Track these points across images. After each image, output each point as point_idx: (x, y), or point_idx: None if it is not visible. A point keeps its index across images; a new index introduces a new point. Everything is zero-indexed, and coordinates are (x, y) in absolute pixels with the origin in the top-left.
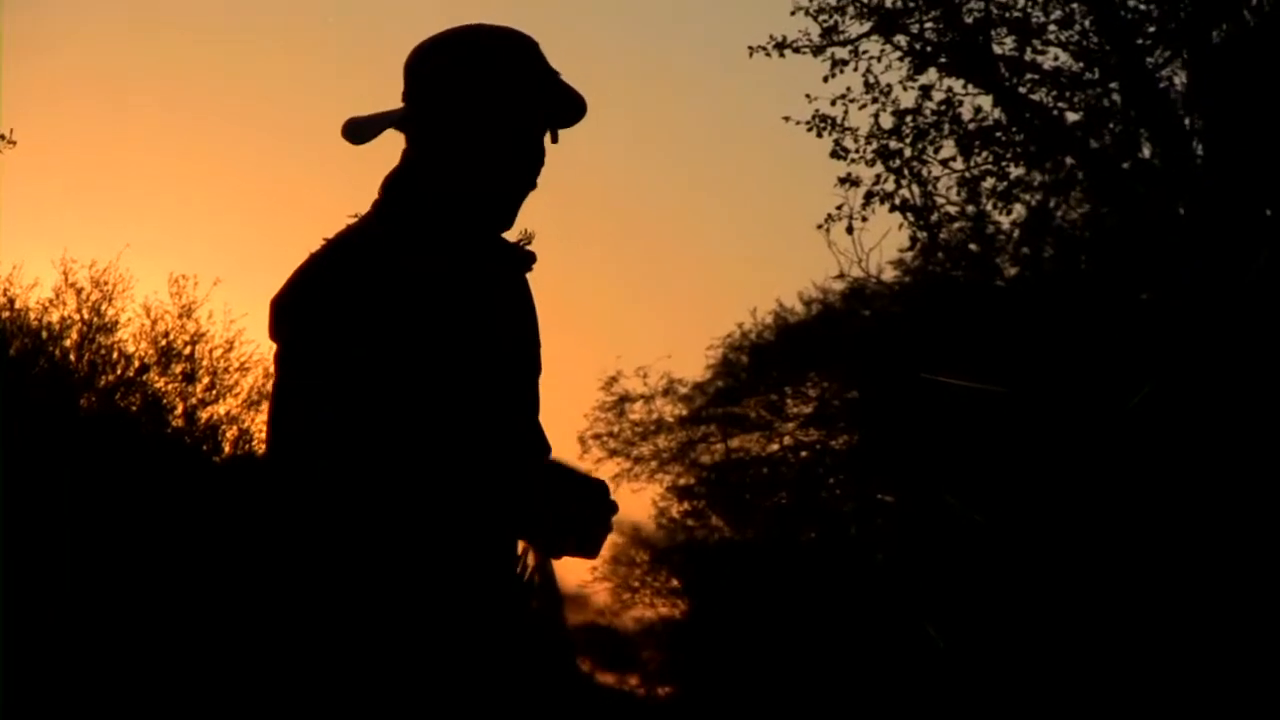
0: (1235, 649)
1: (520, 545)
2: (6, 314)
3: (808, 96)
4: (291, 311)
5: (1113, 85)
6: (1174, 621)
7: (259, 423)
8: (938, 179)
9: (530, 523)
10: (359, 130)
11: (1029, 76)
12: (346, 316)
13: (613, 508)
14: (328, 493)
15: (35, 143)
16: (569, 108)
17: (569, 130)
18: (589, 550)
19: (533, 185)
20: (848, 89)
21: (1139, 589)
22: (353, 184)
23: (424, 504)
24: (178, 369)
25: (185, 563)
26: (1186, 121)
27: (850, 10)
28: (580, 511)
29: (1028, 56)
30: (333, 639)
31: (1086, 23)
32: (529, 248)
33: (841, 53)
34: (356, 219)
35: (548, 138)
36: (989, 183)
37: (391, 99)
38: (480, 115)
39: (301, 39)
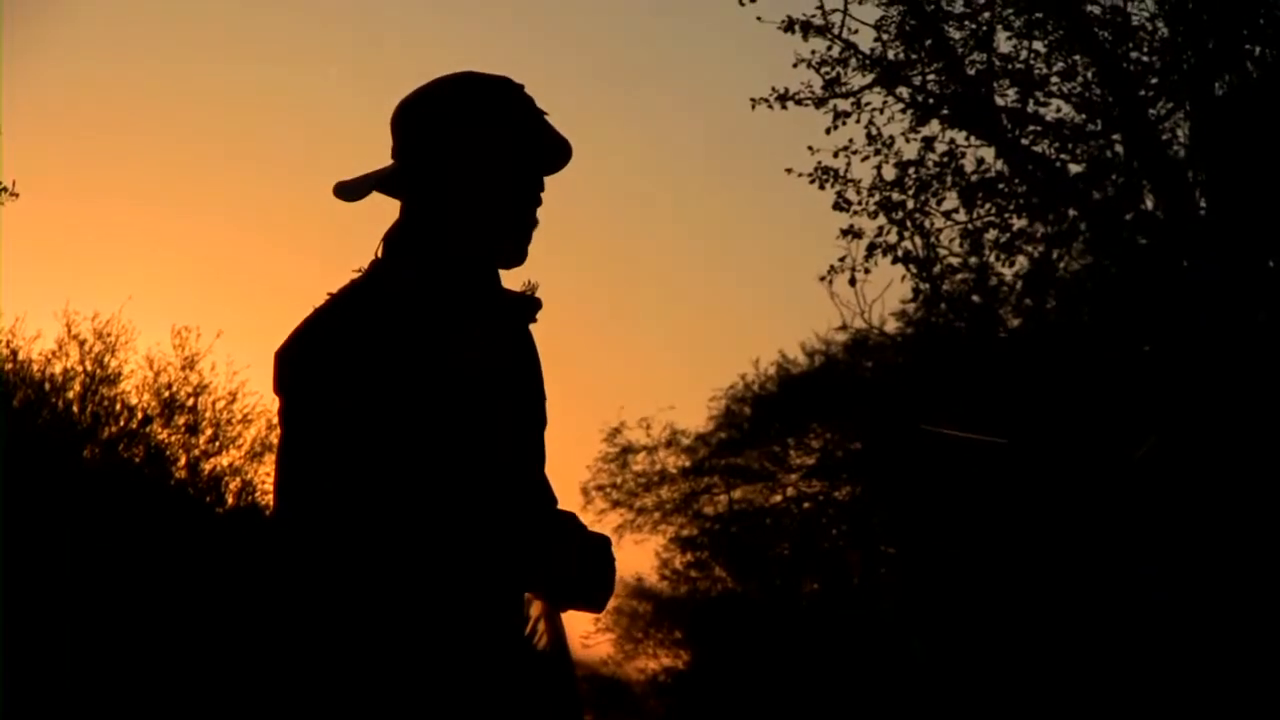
0: (1236, 702)
1: (527, 598)
2: (9, 365)
3: (810, 149)
4: (296, 366)
5: (1115, 137)
6: (1180, 675)
7: (262, 474)
8: (940, 231)
9: (538, 576)
10: (349, 190)
11: (1031, 128)
12: (351, 371)
13: (612, 563)
14: (335, 549)
15: (38, 194)
16: (555, 153)
17: (570, 180)
18: (595, 604)
19: (534, 223)
20: (850, 141)
21: (1145, 641)
22: (356, 239)
23: (431, 558)
24: (181, 420)
25: (189, 615)
26: (1189, 174)
27: (852, 62)
28: (586, 565)
29: (1030, 108)
30: (342, 694)
31: (1089, 75)
32: (534, 295)
33: (844, 104)
34: (360, 274)
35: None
36: (991, 234)
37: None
38: (472, 162)
39: (304, 93)
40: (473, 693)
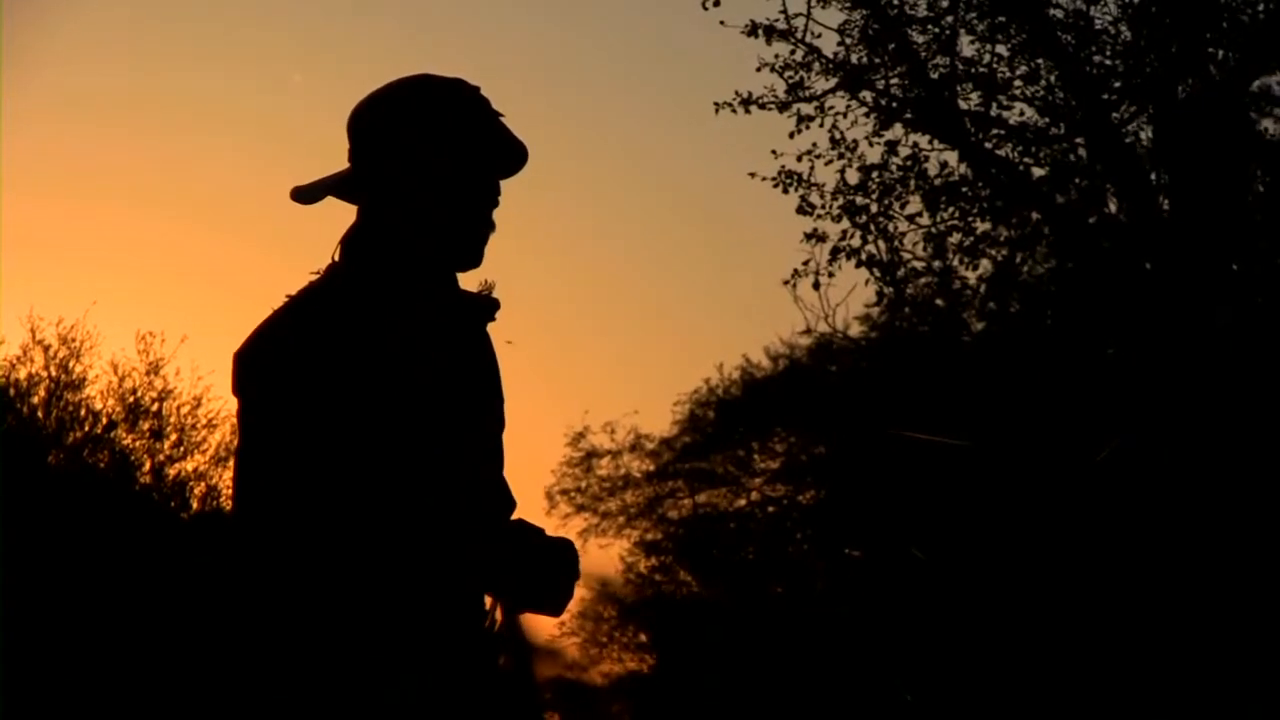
0: (1206, 692)
1: (488, 601)
2: None
3: (774, 153)
4: (253, 367)
5: (1078, 140)
6: (1143, 673)
7: (227, 479)
8: (904, 234)
9: (498, 578)
10: (305, 194)
11: (995, 132)
12: (307, 372)
13: (577, 567)
14: (291, 551)
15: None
16: (510, 156)
17: (533, 183)
18: (554, 607)
19: (491, 226)
20: (814, 145)
21: (1107, 639)
22: (322, 243)
23: (388, 559)
24: (145, 425)
25: (154, 620)
26: (1152, 176)
27: (816, 66)
28: (547, 568)
29: (994, 112)
30: (300, 695)
31: (1052, 78)
32: (492, 295)
33: (807, 109)
34: (318, 276)
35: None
36: (955, 238)
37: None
38: (427, 165)
39: (268, 97)
40: (432, 694)
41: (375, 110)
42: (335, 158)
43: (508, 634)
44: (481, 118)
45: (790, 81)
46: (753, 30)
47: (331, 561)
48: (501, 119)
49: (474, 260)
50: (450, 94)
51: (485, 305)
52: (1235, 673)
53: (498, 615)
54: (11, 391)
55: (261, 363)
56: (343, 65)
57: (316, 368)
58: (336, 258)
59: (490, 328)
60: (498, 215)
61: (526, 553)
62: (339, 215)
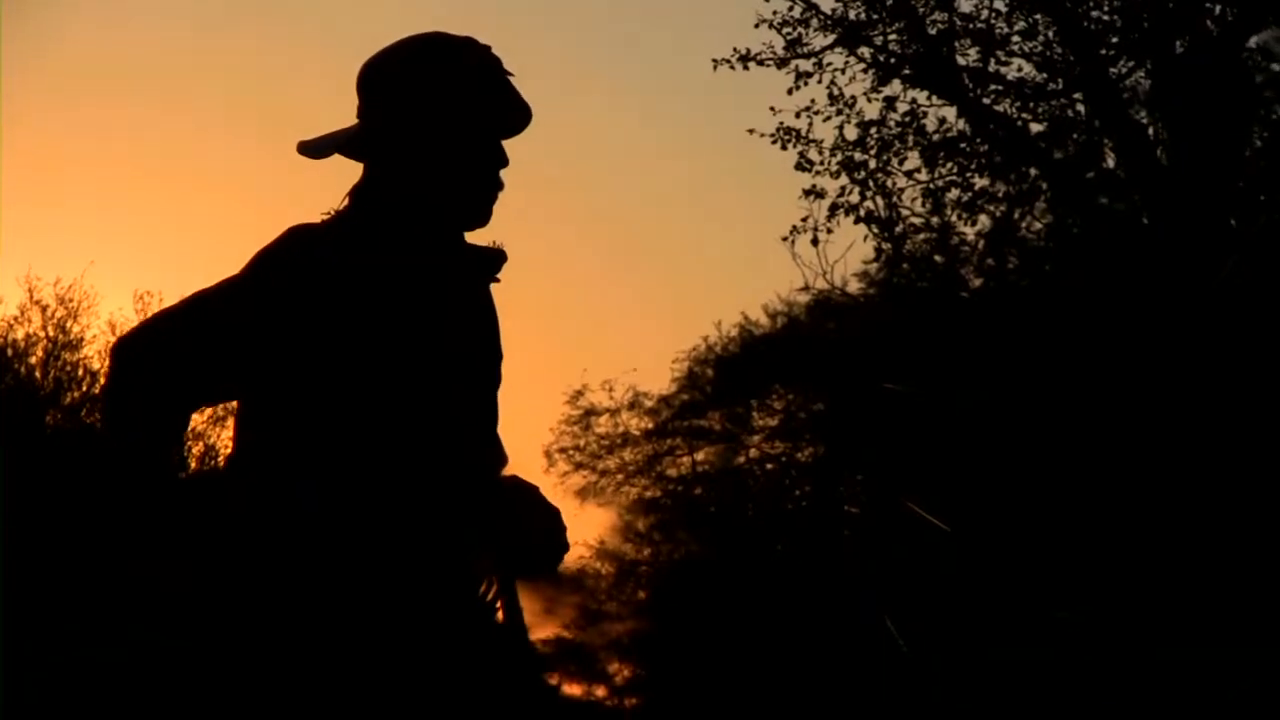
0: (1202, 657)
1: (483, 560)
2: None
3: (772, 109)
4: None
5: (1076, 96)
6: (1140, 629)
7: (225, 438)
8: (902, 190)
9: (490, 534)
10: (313, 149)
11: (993, 88)
12: (296, 299)
13: (565, 532)
14: (280, 496)
15: None
16: (514, 115)
17: (531, 142)
18: (548, 565)
19: (499, 185)
20: (812, 101)
21: (1107, 595)
22: (320, 200)
23: (381, 514)
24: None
25: (150, 577)
26: (1150, 131)
27: (814, 23)
28: (540, 526)
29: (991, 68)
30: (296, 649)
31: (1050, 34)
32: (500, 249)
33: (805, 65)
34: (329, 216)
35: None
36: (953, 194)
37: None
38: (438, 119)
39: (269, 57)
40: (427, 645)
41: (385, 67)
42: (338, 117)
43: (502, 592)
44: (491, 76)
45: (788, 38)
46: None
47: (321, 514)
48: (510, 78)
49: (481, 218)
50: (461, 52)
51: (492, 258)
52: (1235, 622)
53: (492, 574)
54: (9, 351)
55: (252, 277)
56: (347, 26)
57: (303, 295)
58: (343, 207)
59: (494, 288)
60: (520, 178)
61: (519, 509)
62: (342, 175)
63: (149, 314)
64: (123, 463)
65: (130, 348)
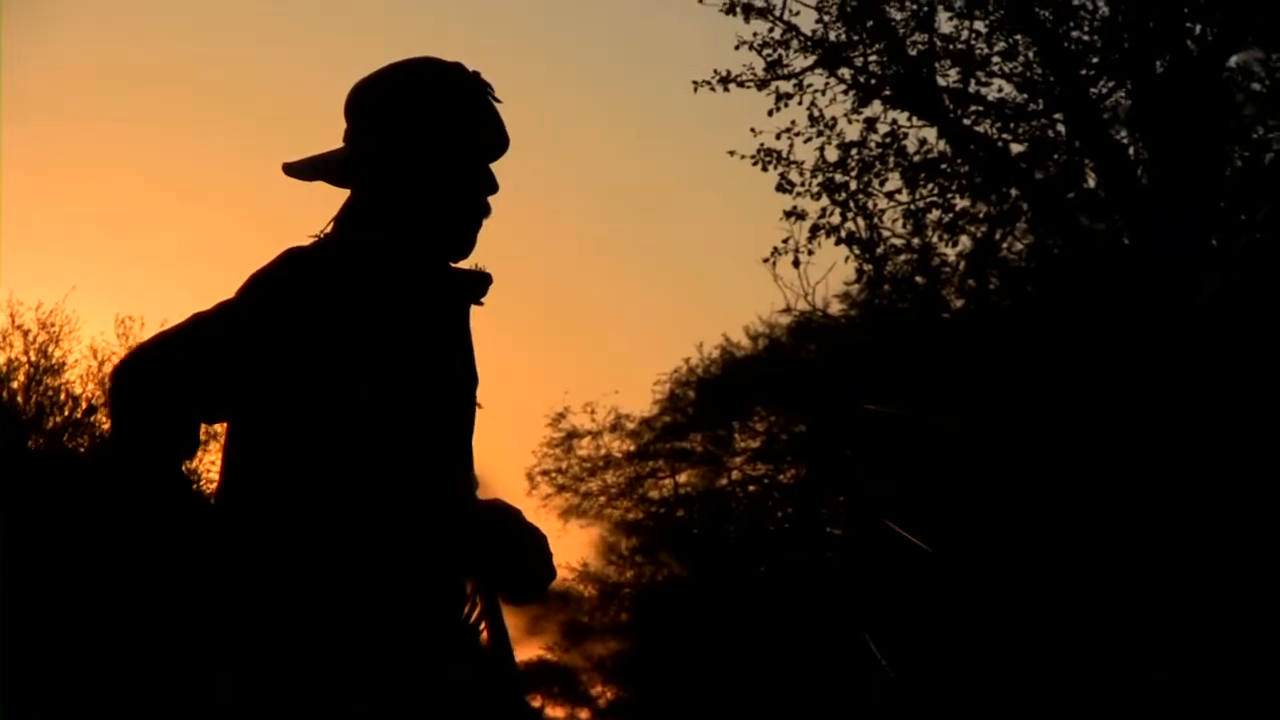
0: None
1: (467, 585)
2: None
3: (753, 131)
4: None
5: (1057, 116)
6: (1118, 646)
7: (207, 463)
8: (883, 212)
9: (473, 556)
10: (299, 170)
11: (973, 108)
12: (291, 322)
13: (551, 558)
14: (266, 518)
15: None
16: (495, 141)
17: (512, 164)
18: (534, 590)
19: (486, 211)
20: (793, 123)
21: (1087, 613)
22: (303, 222)
23: (363, 533)
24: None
25: (132, 601)
26: (1130, 151)
27: (794, 44)
28: (525, 551)
29: (972, 88)
30: (286, 670)
31: (1030, 54)
32: (484, 272)
33: (786, 86)
34: (316, 239)
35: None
36: (934, 215)
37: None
38: (427, 144)
39: (254, 78)
40: (412, 668)
41: (374, 92)
42: (323, 138)
43: (487, 614)
44: (479, 103)
45: (769, 59)
46: (731, 8)
47: (301, 530)
48: (498, 104)
49: (465, 248)
50: (450, 78)
51: (475, 280)
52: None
53: (477, 597)
54: None
55: (249, 299)
56: (327, 49)
57: (298, 318)
58: (329, 231)
59: (475, 310)
60: (502, 201)
61: (505, 534)
62: (324, 200)
63: (131, 339)
64: (135, 480)
65: (132, 368)
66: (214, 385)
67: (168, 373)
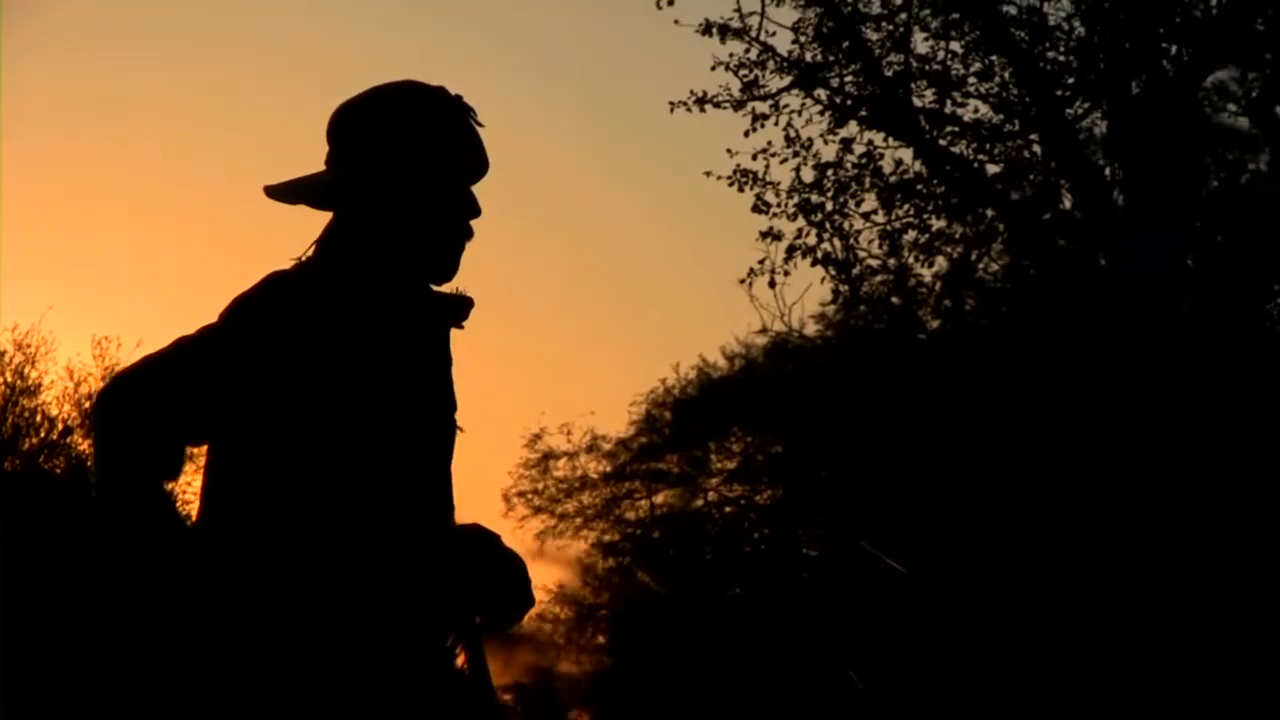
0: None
1: (446, 609)
2: None
3: (729, 151)
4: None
5: (1033, 137)
6: (1095, 670)
7: (183, 484)
8: (859, 232)
9: (452, 583)
10: (281, 193)
11: (949, 129)
12: (273, 347)
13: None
14: (242, 540)
15: None
16: (475, 164)
17: (487, 184)
18: (512, 616)
19: (468, 234)
20: (769, 143)
21: (1062, 634)
22: (279, 245)
23: (340, 553)
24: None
25: (110, 625)
26: (1107, 172)
27: (770, 65)
28: (504, 576)
29: (948, 109)
30: (260, 695)
31: (1006, 75)
32: (465, 295)
33: (762, 107)
34: (298, 262)
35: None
36: (910, 235)
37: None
38: (409, 167)
39: (231, 98)
40: (389, 693)
41: (356, 116)
42: (299, 158)
43: (466, 639)
44: (461, 127)
45: (745, 80)
46: (707, 29)
47: (289, 554)
48: (480, 128)
49: (448, 271)
50: (433, 102)
51: (457, 304)
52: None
53: (456, 621)
54: None
55: (231, 323)
56: (308, 70)
57: (280, 343)
58: (310, 255)
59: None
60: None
61: (487, 559)
62: (299, 221)
63: (107, 359)
64: (119, 504)
65: (115, 392)
66: (197, 409)
67: (151, 397)
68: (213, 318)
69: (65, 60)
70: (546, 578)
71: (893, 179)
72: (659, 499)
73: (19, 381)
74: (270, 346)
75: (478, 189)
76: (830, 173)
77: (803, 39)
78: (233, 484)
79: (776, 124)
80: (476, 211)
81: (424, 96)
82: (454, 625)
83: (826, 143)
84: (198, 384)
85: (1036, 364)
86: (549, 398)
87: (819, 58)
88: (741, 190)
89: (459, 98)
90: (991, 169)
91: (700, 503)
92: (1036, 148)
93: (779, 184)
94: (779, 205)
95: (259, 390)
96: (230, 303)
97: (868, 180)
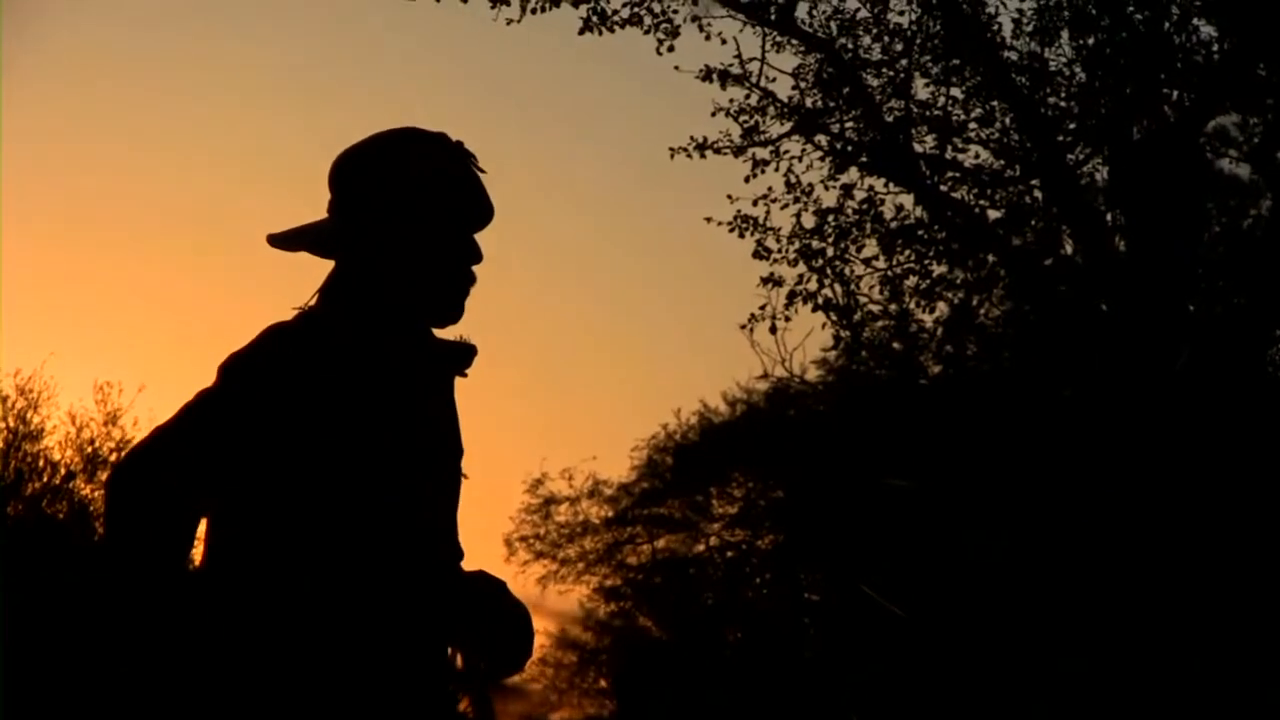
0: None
1: (450, 651)
2: None
3: (729, 197)
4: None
5: (1034, 182)
6: (1094, 714)
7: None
8: (860, 278)
9: (458, 630)
10: (282, 241)
11: (950, 174)
12: (270, 401)
13: (532, 633)
14: (247, 586)
15: None
16: (478, 211)
17: (489, 229)
18: (515, 665)
19: (471, 280)
20: (769, 189)
21: (1059, 679)
22: (284, 290)
23: (345, 598)
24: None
25: (114, 670)
26: (1108, 218)
27: (771, 110)
28: (508, 625)
29: (948, 154)
30: None
31: (1007, 120)
32: (469, 343)
33: (762, 153)
34: (301, 311)
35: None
36: (911, 281)
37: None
38: (411, 214)
39: (235, 140)
40: None
41: (358, 164)
42: (305, 201)
43: (471, 685)
44: (463, 174)
45: (745, 126)
46: (707, 75)
47: (286, 597)
48: (482, 174)
49: (453, 316)
50: (434, 149)
51: (460, 352)
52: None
53: (458, 662)
54: None
55: (231, 384)
56: (313, 114)
57: (280, 398)
58: (313, 303)
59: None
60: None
61: (492, 607)
62: (304, 265)
63: (109, 404)
64: (134, 587)
65: (126, 479)
66: (207, 483)
67: (162, 482)
68: (214, 362)
69: (66, 95)
70: (548, 622)
71: (894, 224)
72: (660, 544)
73: (21, 426)
74: (267, 402)
75: (482, 234)
76: (831, 218)
77: (803, 85)
78: (236, 536)
79: (777, 169)
80: (478, 257)
81: (423, 142)
82: (455, 671)
83: (827, 188)
84: (205, 460)
85: (1037, 409)
86: (551, 443)
87: (819, 103)
88: (742, 236)
89: (460, 144)
90: (992, 214)
91: (701, 547)
92: (1038, 193)
93: (780, 230)
94: (780, 251)
95: (260, 446)
96: (225, 360)
97: (869, 226)
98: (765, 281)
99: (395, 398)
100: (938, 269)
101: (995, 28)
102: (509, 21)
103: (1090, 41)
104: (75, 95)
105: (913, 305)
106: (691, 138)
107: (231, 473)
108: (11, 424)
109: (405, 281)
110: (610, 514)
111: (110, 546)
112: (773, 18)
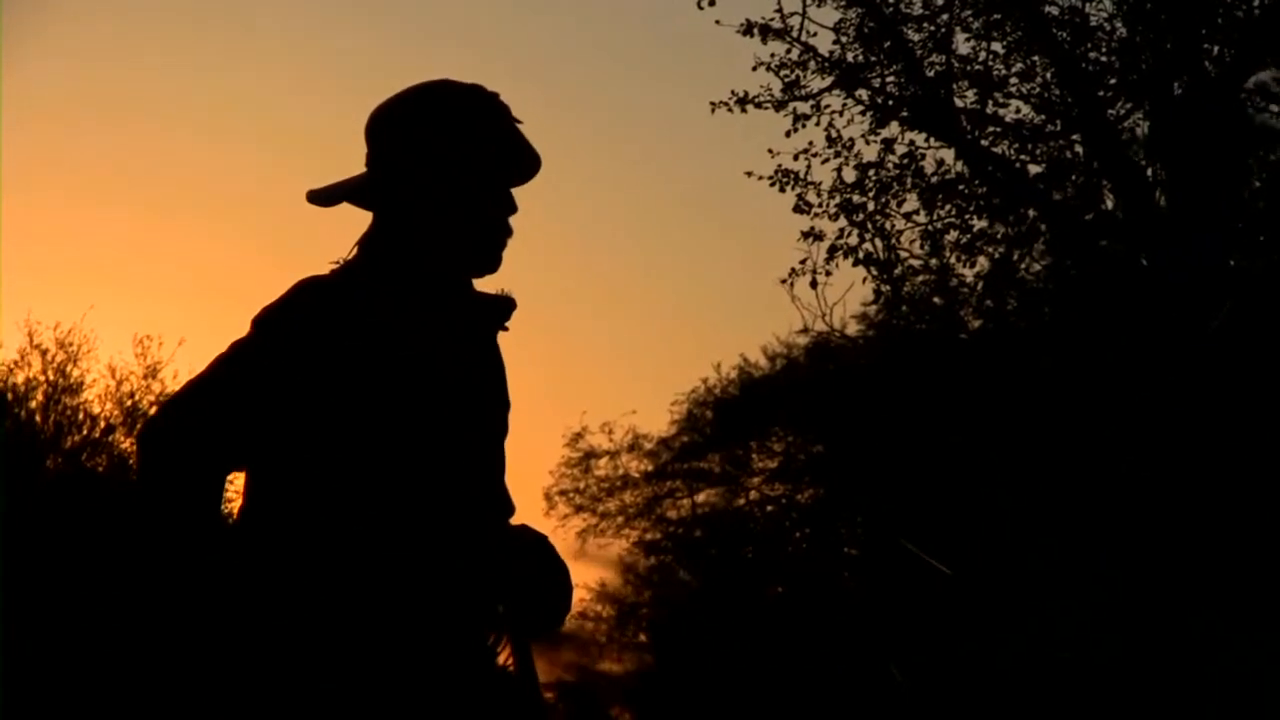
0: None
1: (493, 609)
2: None
3: (770, 152)
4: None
5: (1075, 137)
6: (1134, 667)
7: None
8: (901, 232)
9: (500, 583)
10: (321, 197)
11: (991, 129)
12: (308, 354)
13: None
14: (291, 538)
15: None
16: (524, 163)
17: (530, 183)
18: (553, 621)
19: (508, 231)
20: (810, 144)
21: (1102, 632)
22: (323, 245)
23: (389, 551)
24: None
25: (153, 622)
26: (1149, 173)
27: (811, 65)
28: (549, 580)
29: (989, 109)
30: (296, 687)
31: (1048, 75)
32: (509, 296)
33: (803, 107)
34: (338, 265)
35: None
36: (952, 236)
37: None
38: (444, 172)
39: (273, 97)
40: (433, 689)
41: (393, 116)
42: (340, 157)
43: (512, 639)
44: (498, 124)
45: (786, 80)
46: (748, 29)
47: (329, 552)
48: (519, 125)
49: (491, 265)
50: (468, 100)
51: (501, 305)
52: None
53: (502, 622)
54: (9, 396)
55: (263, 337)
56: (346, 69)
57: (313, 350)
58: (351, 256)
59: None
60: (515, 221)
61: (535, 562)
62: (340, 219)
63: (149, 358)
64: (167, 539)
65: (159, 433)
66: (242, 433)
67: (194, 435)
68: (252, 316)
69: (101, 57)
70: (588, 576)
71: (934, 179)
72: (700, 498)
73: (61, 380)
74: (299, 354)
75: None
76: (872, 173)
77: (844, 39)
78: (274, 488)
79: (818, 124)
80: (513, 208)
81: (458, 94)
82: (496, 624)
83: (868, 143)
84: (238, 415)
85: (1077, 364)
86: (590, 397)
87: (860, 58)
88: (783, 190)
89: (495, 95)
90: (1033, 169)
91: (741, 502)
92: (1078, 148)
93: (820, 184)
94: (820, 205)
95: (295, 399)
96: (258, 313)
97: (909, 180)
98: (806, 236)
99: (431, 350)
100: (978, 224)
101: None
102: None
103: None
104: (120, 53)
105: (953, 260)
106: (732, 92)
107: (266, 425)
108: (51, 377)
109: (441, 232)
110: (650, 468)
111: (143, 498)
112: None
